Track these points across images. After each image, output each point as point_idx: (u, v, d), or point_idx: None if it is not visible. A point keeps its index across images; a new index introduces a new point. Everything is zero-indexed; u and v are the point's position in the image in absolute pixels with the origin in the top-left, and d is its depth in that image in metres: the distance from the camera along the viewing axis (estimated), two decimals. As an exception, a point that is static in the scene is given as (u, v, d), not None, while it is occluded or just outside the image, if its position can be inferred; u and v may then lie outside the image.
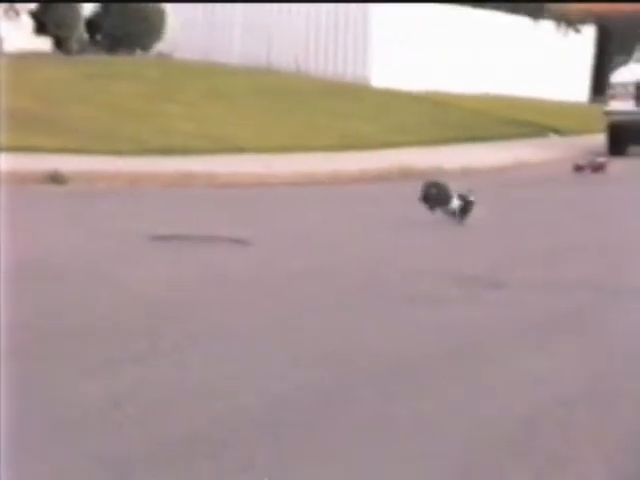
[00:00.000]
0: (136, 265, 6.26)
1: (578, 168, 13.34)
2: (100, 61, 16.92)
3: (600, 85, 21.10)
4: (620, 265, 6.80)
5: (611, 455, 3.29)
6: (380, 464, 3.17)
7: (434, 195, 8.42)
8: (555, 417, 3.65)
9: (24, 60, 15.03)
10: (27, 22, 17.39)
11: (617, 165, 13.69)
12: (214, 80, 16.34)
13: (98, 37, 18.79)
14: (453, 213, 8.35)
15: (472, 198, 8.39)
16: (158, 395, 3.76)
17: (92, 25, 18.64)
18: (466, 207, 8.36)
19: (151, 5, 19.17)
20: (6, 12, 16.87)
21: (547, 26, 24.02)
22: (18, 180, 9.33)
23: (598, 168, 13.29)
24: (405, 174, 12.01)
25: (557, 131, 18.06)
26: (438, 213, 8.38)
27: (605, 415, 3.69)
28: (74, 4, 17.93)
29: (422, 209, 8.52)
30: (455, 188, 8.48)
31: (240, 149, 12.40)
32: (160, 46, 19.39)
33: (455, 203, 8.36)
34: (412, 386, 3.98)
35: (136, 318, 4.89)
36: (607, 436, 3.46)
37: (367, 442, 3.35)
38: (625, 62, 16.83)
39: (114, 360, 4.13)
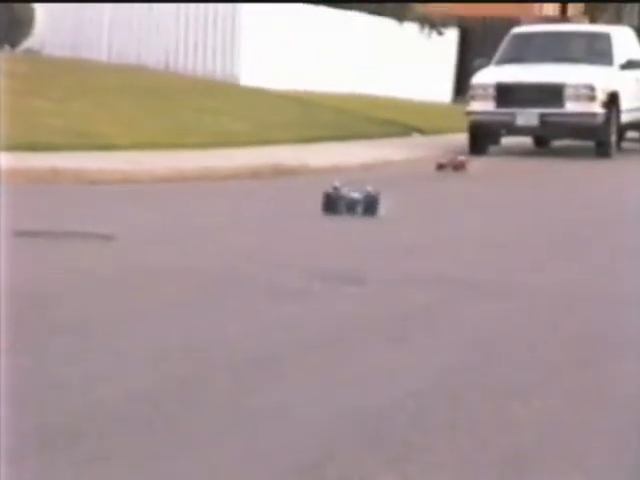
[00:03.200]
0: (-4, 259, 6.21)
1: (440, 166, 13.72)
2: (-34, 56, 16.66)
3: (462, 86, 21.65)
4: (476, 260, 7.00)
5: (461, 444, 3.40)
6: (238, 456, 3.21)
7: (336, 201, 8.73)
8: (409, 408, 3.72)
9: None
10: None
11: (476, 163, 14.10)
12: (83, 77, 16.24)
13: (-36, 32, 18.50)
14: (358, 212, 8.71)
15: (374, 194, 8.77)
16: (12, 387, 3.76)
17: (-42, 19, 18.34)
18: (371, 204, 8.70)
19: (19, 0, 18.95)
20: None
21: (411, 28, 24.54)
22: None
23: (459, 166, 13.69)
24: (275, 171, 12.21)
25: (420, 130, 18.51)
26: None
27: (456, 406, 3.79)
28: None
29: (292, 205, 8.58)
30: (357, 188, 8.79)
31: (109, 146, 12.39)
32: (29, 42, 19.18)
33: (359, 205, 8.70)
34: (270, 379, 4.03)
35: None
36: (457, 427, 3.56)
37: (225, 435, 3.39)
38: (485, 64, 17.37)
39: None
